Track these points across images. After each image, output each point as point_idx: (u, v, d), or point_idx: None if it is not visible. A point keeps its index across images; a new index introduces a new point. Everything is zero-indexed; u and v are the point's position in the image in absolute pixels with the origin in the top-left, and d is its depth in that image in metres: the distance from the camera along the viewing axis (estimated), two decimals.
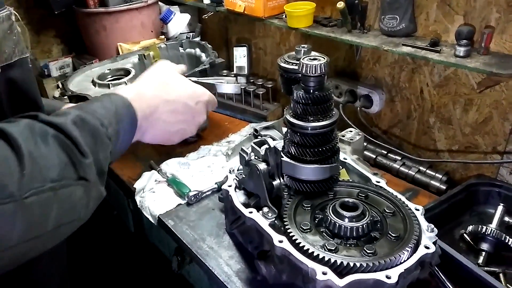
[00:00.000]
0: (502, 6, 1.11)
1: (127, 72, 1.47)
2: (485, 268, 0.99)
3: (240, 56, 1.95)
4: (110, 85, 1.37)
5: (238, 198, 0.97)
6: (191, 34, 2.05)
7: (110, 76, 1.48)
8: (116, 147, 0.66)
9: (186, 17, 2.06)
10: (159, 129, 0.79)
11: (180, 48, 1.70)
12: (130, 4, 1.90)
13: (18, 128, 0.53)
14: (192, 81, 0.91)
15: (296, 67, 0.87)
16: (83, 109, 0.63)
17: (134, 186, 1.30)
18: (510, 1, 1.09)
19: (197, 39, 1.95)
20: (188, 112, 0.82)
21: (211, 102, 0.89)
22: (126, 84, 1.38)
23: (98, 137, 0.61)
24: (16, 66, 0.66)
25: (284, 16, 1.57)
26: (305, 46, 0.91)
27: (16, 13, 0.68)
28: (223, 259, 1.04)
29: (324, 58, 0.84)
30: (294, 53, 0.94)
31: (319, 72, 0.82)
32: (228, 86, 0.91)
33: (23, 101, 0.69)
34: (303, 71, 0.83)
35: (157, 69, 0.86)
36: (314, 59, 0.84)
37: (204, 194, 1.24)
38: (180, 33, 2.03)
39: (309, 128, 0.86)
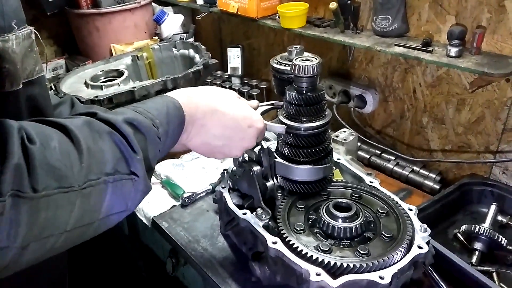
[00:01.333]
0: (493, 6, 1.11)
1: (120, 73, 1.47)
2: (479, 268, 0.99)
3: (234, 56, 1.95)
4: (103, 86, 1.36)
5: (232, 199, 0.96)
6: (184, 35, 2.05)
7: (103, 77, 1.47)
8: (165, 146, 0.70)
9: (180, 18, 2.06)
10: (204, 139, 0.77)
11: (174, 49, 1.69)
12: (123, 5, 1.89)
13: (78, 125, 0.57)
14: None
15: (289, 68, 0.87)
16: (137, 108, 0.67)
17: None
18: (501, 1, 1.09)
19: (191, 40, 1.95)
20: (237, 132, 0.80)
21: (262, 132, 0.86)
22: (119, 85, 1.38)
23: (149, 136, 0.64)
24: (36, 84, 0.69)
25: (277, 16, 1.57)
26: (298, 46, 0.91)
27: (36, 32, 0.70)
28: (217, 261, 1.04)
29: (317, 59, 0.84)
30: (286, 53, 0.94)
31: (311, 73, 0.82)
32: (275, 126, 0.88)
33: (40, 117, 0.70)
34: (296, 72, 0.83)
35: (219, 88, 0.85)
36: (307, 60, 0.84)
37: (198, 196, 1.23)
38: (174, 34, 2.02)
39: (302, 129, 0.86)
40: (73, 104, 1.01)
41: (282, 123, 0.88)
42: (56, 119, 0.58)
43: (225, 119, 0.78)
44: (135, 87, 1.31)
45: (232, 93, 0.84)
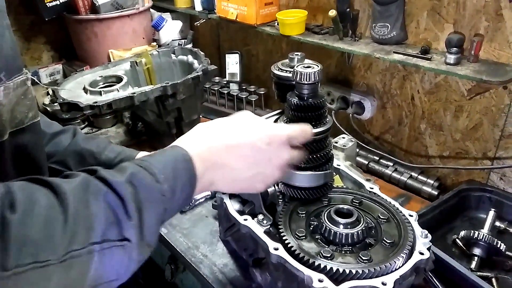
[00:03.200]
0: (490, 14, 1.13)
1: (119, 79, 1.46)
2: (478, 273, 1.00)
3: (232, 63, 1.96)
4: (102, 92, 1.35)
5: (233, 205, 0.96)
6: (183, 41, 2.05)
7: (101, 83, 1.47)
8: (173, 203, 0.64)
9: (178, 24, 2.06)
10: (230, 178, 0.72)
11: (172, 55, 1.69)
12: (121, 11, 1.90)
13: (72, 186, 0.54)
14: None
15: (290, 75, 0.88)
16: (142, 163, 0.62)
17: None
18: (499, 10, 1.11)
19: (189, 46, 1.95)
20: (260, 155, 0.73)
21: (291, 139, 0.77)
22: (118, 91, 1.37)
23: (151, 195, 0.60)
24: (26, 131, 0.67)
25: (276, 23, 1.58)
26: (299, 53, 0.92)
27: (33, 77, 0.68)
28: (217, 267, 1.03)
29: (318, 66, 0.84)
30: (287, 60, 0.94)
31: (313, 80, 0.83)
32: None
33: (30, 165, 0.69)
34: (297, 79, 0.83)
35: (232, 116, 0.78)
36: (308, 66, 0.84)
37: (198, 201, 1.23)
38: (172, 40, 2.03)
39: None
40: (75, 133, 1.00)
41: None
42: (51, 179, 0.54)
43: (242, 149, 0.72)
44: (135, 93, 1.30)
45: (243, 117, 0.77)
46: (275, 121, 0.93)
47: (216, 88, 1.92)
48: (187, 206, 1.20)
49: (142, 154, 0.98)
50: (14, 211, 0.48)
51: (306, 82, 0.83)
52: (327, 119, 0.90)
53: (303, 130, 0.78)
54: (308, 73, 0.82)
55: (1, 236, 0.46)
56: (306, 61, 0.91)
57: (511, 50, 1.12)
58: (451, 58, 1.14)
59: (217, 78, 2.01)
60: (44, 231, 0.49)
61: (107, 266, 0.55)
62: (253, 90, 1.87)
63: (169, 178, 0.62)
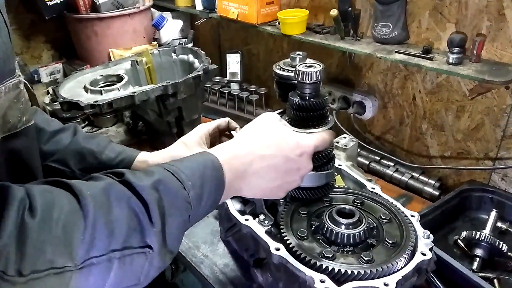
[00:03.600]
0: (493, 14, 1.13)
1: (119, 78, 1.46)
2: (480, 274, 0.99)
3: (233, 62, 1.95)
4: (103, 91, 1.35)
5: (234, 205, 0.96)
6: (183, 40, 2.05)
7: (102, 82, 1.46)
8: (199, 210, 0.64)
9: (179, 23, 2.06)
10: (258, 186, 0.72)
11: (173, 54, 1.69)
12: (122, 10, 1.89)
13: (95, 191, 0.53)
14: None
15: (292, 74, 0.87)
16: (171, 167, 0.62)
17: None
18: (501, 10, 1.11)
19: (190, 45, 1.95)
20: (291, 165, 0.74)
21: (316, 148, 0.78)
22: (119, 90, 1.37)
23: (176, 202, 0.59)
24: (19, 136, 0.66)
25: (277, 23, 1.58)
26: (300, 53, 0.91)
27: (26, 81, 0.67)
28: (218, 267, 1.03)
29: (320, 65, 0.84)
30: (289, 60, 0.94)
31: (315, 79, 0.82)
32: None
33: (23, 170, 0.68)
34: (299, 78, 0.83)
35: (258, 121, 0.78)
36: (310, 66, 0.84)
37: None
38: (173, 39, 2.02)
39: None
40: (75, 132, 0.99)
41: None
42: (74, 182, 0.54)
43: (274, 160, 0.72)
44: (135, 92, 1.30)
45: (272, 122, 0.77)
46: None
47: (216, 88, 1.92)
48: None
49: (143, 154, 0.97)
50: (34, 215, 0.47)
51: (308, 82, 0.83)
52: (329, 119, 0.89)
53: (326, 139, 0.80)
54: (310, 72, 0.82)
55: (19, 241, 0.45)
56: (308, 60, 0.91)
57: None
58: (453, 58, 1.13)
59: (217, 77, 2.00)
60: (63, 237, 0.48)
61: (127, 272, 0.54)
62: (254, 89, 1.86)
63: (196, 185, 0.62)
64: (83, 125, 1.85)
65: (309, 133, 0.83)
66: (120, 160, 0.95)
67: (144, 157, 0.97)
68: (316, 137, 0.78)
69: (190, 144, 0.95)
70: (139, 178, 0.57)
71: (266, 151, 0.72)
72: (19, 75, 0.66)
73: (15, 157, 0.65)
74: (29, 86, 0.68)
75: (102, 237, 0.51)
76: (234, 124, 1.01)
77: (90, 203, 0.51)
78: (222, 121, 1.01)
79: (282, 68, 0.93)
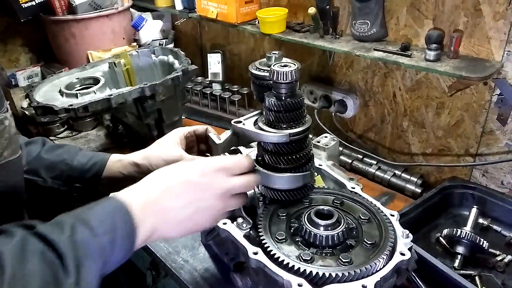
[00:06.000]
0: (469, 10, 1.12)
1: (96, 80, 1.43)
2: (461, 272, 0.99)
3: (214, 62, 1.93)
4: (78, 94, 1.32)
5: None
6: (164, 41, 2.02)
7: (78, 85, 1.43)
8: (114, 255, 0.63)
9: (158, 23, 2.03)
10: (172, 220, 0.71)
11: (153, 55, 1.66)
12: (99, 11, 1.86)
13: (10, 246, 0.54)
14: (236, 130, 0.85)
15: (267, 74, 0.86)
16: (79, 217, 0.62)
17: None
18: (477, 5, 1.10)
19: (171, 45, 1.92)
20: (195, 188, 0.72)
21: (231, 167, 0.76)
22: (95, 93, 1.34)
23: (89, 250, 0.59)
24: (1, 169, 0.66)
25: (257, 22, 1.56)
26: (276, 52, 0.90)
27: (10, 117, 0.66)
28: (198, 272, 1.01)
29: (295, 65, 0.82)
30: (265, 59, 0.92)
31: (290, 79, 0.81)
32: (274, 136, 0.82)
33: (6, 202, 0.68)
34: (274, 78, 0.81)
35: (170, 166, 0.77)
36: (285, 65, 0.82)
37: None
38: (153, 40, 1.99)
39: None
40: (44, 143, 1.00)
41: (262, 130, 0.86)
42: None
43: (176, 187, 0.72)
44: (112, 95, 1.27)
45: (181, 162, 0.77)
46: (255, 122, 0.91)
47: (198, 88, 1.89)
48: None
49: (115, 155, 0.96)
50: None
51: (283, 82, 0.81)
52: (306, 119, 0.88)
53: (239, 161, 0.78)
54: (285, 72, 0.80)
55: None
56: (284, 59, 0.89)
57: (491, 45, 1.12)
58: (431, 54, 1.13)
59: (199, 78, 1.98)
60: None
61: None
62: (236, 89, 1.84)
63: (107, 230, 0.62)
64: (62, 129, 1.81)
65: (282, 135, 0.82)
66: (92, 164, 0.95)
67: (118, 157, 0.97)
68: (226, 158, 0.79)
69: (165, 145, 0.96)
70: (52, 231, 0.58)
71: (166, 182, 0.72)
72: (7, 109, 0.65)
73: None
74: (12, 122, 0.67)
75: None
76: (211, 130, 1.00)
77: (6, 258, 0.52)
78: (200, 127, 1.01)
79: (258, 68, 0.91)
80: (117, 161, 0.96)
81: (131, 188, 0.71)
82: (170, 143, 0.95)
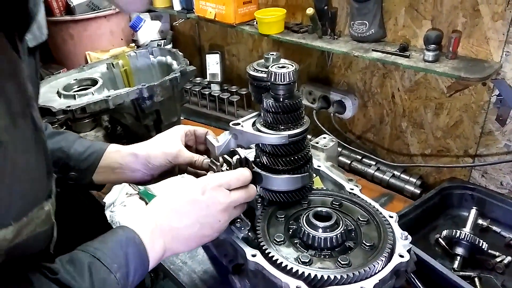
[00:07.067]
0: (468, 10, 1.12)
1: (94, 82, 1.43)
2: (461, 273, 0.99)
3: (213, 63, 1.93)
4: (76, 95, 1.31)
5: None
6: (162, 41, 2.02)
7: (76, 86, 1.43)
8: (128, 285, 0.69)
9: (157, 24, 2.03)
10: (180, 238, 0.77)
11: (151, 56, 1.66)
12: (97, 12, 1.86)
13: None
14: (234, 132, 0.87)
15: (265, 75, 0.85)
16: (95, 254, 0.66)
17: (104, 200, 1.25)
18: (476, 6, 1.10)
19: (169, 46, 1.92)
20: (198, 205, 0.77)
21: (231, 183, 0.80)
22: (93, 94, 1.33)
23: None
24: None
25: (255, 22, 1.56)
26: (274, 53, 0.89)
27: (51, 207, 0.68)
28: (196, 274, 1.01)
29: (293, 66, 0.82)
30: (263, 60, 0.92)
31: (287, 80, 0.80)
32: (272, 137, 0.83)
33: None
34: (272, 79, 0.81)
35: (173, 188, 0.82)
36: (283, 67, 0.82)
37: None
38: (151, 41, 1.99)
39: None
40: (46, 128, 0.99)
41: (260, 131, 0.86)
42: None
43: (181, 207, 0.77)
44: (110, 96, 1.27)
45: (184, 186, 0.80)
46: (253, 123, 0.90)
47: (197, 89, 1.89)
48: None
49: (114, 145, 0.97)
50: None
51: (280, 83, 0.81)
52: (304, 120, 0.87)
53: (239, 174, 0.82)
54: (282, 73, 0.80)
55: None
56: (282, 60, 0.89)
57: (489, 46, 1.11)
58: (429, 55, 1.13)
59: (198, 78, 1.97)
60: None
61: None
62: (234, 90, 1.84)
63: (121, 265, 0.67)
64: (60, 130, 1.80)
65: (280, 136, 0.82)
66: (89, 154, 0.96)
67: (116, 147, 0.98)
68: (226, 174, 0.82)
69: (166, 139, 0.97)
70: (74, 279, 0.62)
71: (171, 204, 0.77)
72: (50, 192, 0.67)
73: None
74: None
75: None
76: (211, 133, 1.00)
77: None
78: (200, 129, 1.02)
79: (256, 69, 0.91)
80: (115, 152, 0.97)
81: (139, 215, 0.77)
82: (171, 137, 0.97)
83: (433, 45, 1.12)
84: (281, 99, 0.83)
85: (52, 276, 0.61)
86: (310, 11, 1.30)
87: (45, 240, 0.71)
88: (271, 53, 0.90)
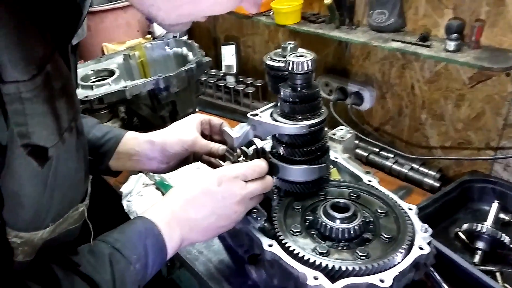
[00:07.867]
0: None
1: (111, 72, 1.44)
2: (481, 267, 0.96)
3: (228, 54, 1.92)
4: (94, 86, 1.33)
5: None
6: (178, 33, 2.01)
7: (93, 77, 1.44)
8: (147, 276, 0.71)
9: None
10: (198, 228, 0.78)
11: (167, 48, 1.66)
12: (114, 3, 1.86)
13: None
14: (252, 123, 0.87)
15: (283, 65, 0.84)
16: (115, 245, 0.67)
17: (121, 189, 1.26)
18: None
19: (185, 37, 1.92)
20: (214, 197, 0.77)
21: (247, 174, 0.80)
22: (110, 85, 1.34)
23: (126, 279, 0.66)
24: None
25: (271, 13, 1.54)
26: (292, 42, 0.88)
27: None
28: (212, 264, 1.01)
29: (311, 55, 0.81)
30: (280, 50, 0.91)
31: (306, 69, 0.79)
32: (292, 127, 0.83)
33: None
34: (290, 69, 0.80)
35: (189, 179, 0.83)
36: (301, 55, 0.81)
37: None
38: (167, 32, 1.99)
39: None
40: None
41: (277, 121, 0.85)
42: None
43: (198, 198, 0.77)
44: (126, 87, 1.28)
45: (201, 178, 0.80)
46: (270, 114, 0.89)
47: (212, 81, 1.89)
48: None
49: (131, 134, 0.98)
50: None
51: (298, 72, 0.80)
52: (322, 110, 0.86)
53: (256, 166, 0.82)
54: (301, 62, 0.79)
55: None
56: (300, 50, 0.87)
57: None
58: (451, 45, 1.10)
59: (213, 70, 1.97)
60: None
61: None
62: (250, 82, 1.83)
63: (141, 256, 0.68)
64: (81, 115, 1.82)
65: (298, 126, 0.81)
66: (107, 140, 0.96)
67: (134, 135, 0.99)
68: (242, 165, 0.82)
69: (182, 126, 0.98)
70: (95, 270, 0.63)
71: (188, 195, 0.78)
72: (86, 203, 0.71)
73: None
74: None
75: None
76: (226, 125, 1.00)
77: None
78: (215, 119, 1.02)
79: (273, 59, 0.90)
80: (132, 138, 0.97)
81: (157, 205, 0.77)
82: (187, 125, 0.98)
83: (455, 35, 1.09)
84: (299, 89, 0.82)
85: (75, 269, 0.62)
86: (327, 0, 1.29)
87: (74, 236, 0.73)
88: (289, 42, 0.89)
